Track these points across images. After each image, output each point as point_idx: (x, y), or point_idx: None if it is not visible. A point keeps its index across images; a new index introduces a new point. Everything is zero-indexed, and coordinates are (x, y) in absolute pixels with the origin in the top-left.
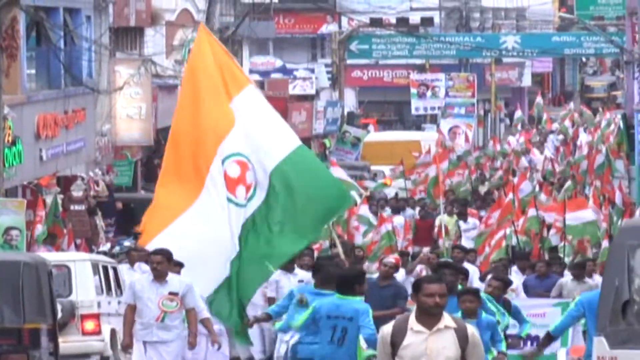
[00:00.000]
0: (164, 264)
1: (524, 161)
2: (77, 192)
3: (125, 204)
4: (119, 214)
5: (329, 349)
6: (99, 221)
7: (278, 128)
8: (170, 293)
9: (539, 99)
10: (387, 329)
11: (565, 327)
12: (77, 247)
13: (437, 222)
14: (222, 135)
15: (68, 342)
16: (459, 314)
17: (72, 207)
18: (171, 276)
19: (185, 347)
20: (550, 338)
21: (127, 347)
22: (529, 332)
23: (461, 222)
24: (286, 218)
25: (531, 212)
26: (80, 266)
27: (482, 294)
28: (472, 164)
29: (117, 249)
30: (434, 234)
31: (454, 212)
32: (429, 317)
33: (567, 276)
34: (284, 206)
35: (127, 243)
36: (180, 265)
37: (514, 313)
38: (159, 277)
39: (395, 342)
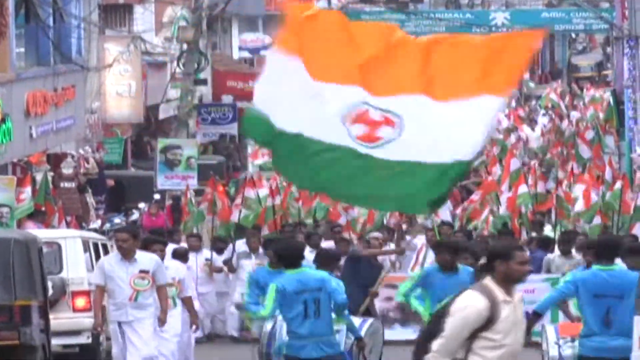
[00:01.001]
0: (129, 241)
1: (512, 138)
2: (67, 169)
3: (115, 181)
4: (109, 192)
5: (306, 324)
6: (89, 198)
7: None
8: (141, 271)
9: (525, 76)
10: (481, 302)
11: (551, 303)
12: (68, 225)
13: None
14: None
15: (59, 319)
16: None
17: (62, 185)
18: (140, 254)
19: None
20: (536, 317)
21: (98, 327)
22: None
23: None
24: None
25: (522, 188)
26: (70, 243)
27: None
28: None
29: (107, 226)
30: None
31: None
32: (512, 285)
33: (555, 252)
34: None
35: (117, 220)
36: (163, 243)
37: None
38: (127, 255)
39: (494, 315)
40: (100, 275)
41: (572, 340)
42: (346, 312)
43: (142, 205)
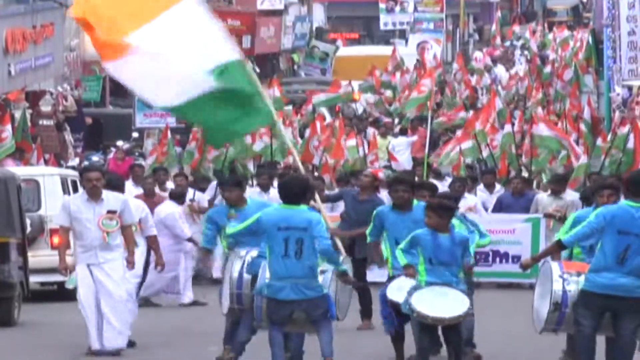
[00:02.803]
0: (101, 180)
1: (486, 78)
2: (45, 107)
3: (93, 119)
4: (87, 129)
5: (284, 264)
6: (68, 136)
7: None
8: (109, 211)
9: (498, 14)
10: None
11: (581, 238)
12: (46, 162)
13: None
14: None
15: (37, 257)
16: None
17: (40, 122)
18: (106, 193)
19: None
20: (560, 247)
21: (64, 270)
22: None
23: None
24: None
25: (507, 127)
26: (49, 181)
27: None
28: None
29: (85, 163)
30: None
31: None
32: None
33: (543, 192)
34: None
35: (95, 158)
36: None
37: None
38: (95, 195)
39: None
40: (65, 217)
41: (578, 275)
42: (331, 254)
43: (120, 143)
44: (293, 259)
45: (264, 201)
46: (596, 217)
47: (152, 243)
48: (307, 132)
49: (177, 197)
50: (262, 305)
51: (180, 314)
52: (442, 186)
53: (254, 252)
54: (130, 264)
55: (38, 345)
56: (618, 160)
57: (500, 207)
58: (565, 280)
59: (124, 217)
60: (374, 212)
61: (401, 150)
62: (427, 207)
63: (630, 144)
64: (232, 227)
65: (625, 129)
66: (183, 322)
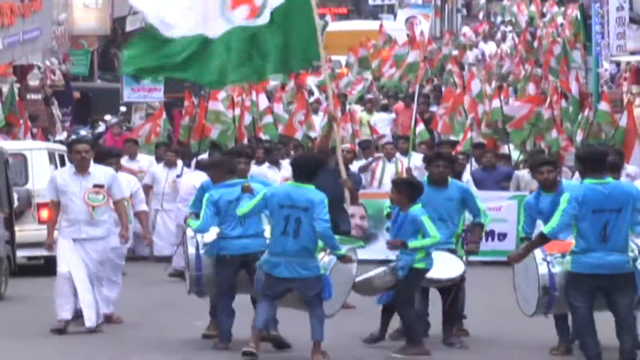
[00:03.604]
0: (90, 152)
1: (469, 55)
2: (33, 81)
3: (81, 93)
4: (75, 104)
5: (282, 241)
6: (56, 110)
7: None
8: (95, 185)
9: None
10: None
11: (563, 227)
12: (34, 136)
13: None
14: None
15: (24, 231)
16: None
17: (28, 96)
18: (94, 167)
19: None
20: (544, 240)
21: (50, 247)
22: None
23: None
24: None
25: (495, 102)
26: (36, 155)
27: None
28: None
29: (73, 137)
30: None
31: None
32: None
33: (524, 169)
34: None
35: (83, 132)
36: (117, 156)
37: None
38: (83, 168)
39: None
40: (53, 190)
41: (562, 257)
42: (329, 238)
43: (108, 117)
44: (291, 237)
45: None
46: (569, 202)
47: (141, 218)
48: (292, 106)
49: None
50: (262, 278)
51: (165, 288)
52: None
53: (213, 233)
54: (124, 238)
55: (25, 319)
56: (609, 136)
57: (473, 182)
58: (549, 262)
59: (113, 192)
60: None
61: (383, 127)
62: (392, 183)
63: (623, 122)
64: (242, 208)
65: (604, 105)
66: (168, 296)
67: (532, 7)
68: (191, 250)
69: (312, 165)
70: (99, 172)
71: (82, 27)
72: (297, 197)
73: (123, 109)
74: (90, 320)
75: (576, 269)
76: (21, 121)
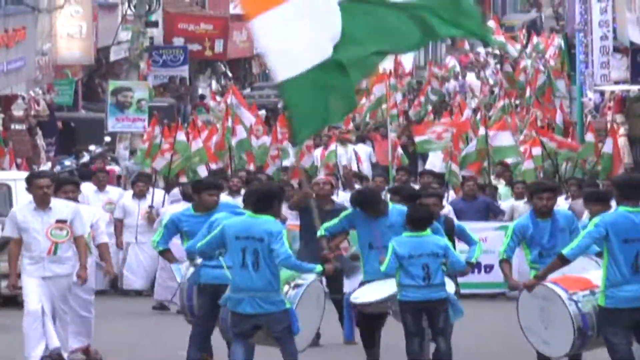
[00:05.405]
0: (51, 187)
1: (448, 86)
2: (17, 111)
3: (65, 123)
4: (59, 134)
5: (242, 274)
6: (40, 140)
7: None
8: (58, 221)
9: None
10: None
11: (584, 249)
12: (18, 167)
13: None
14: None
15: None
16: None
17: (12, 127)
18: (55, 201)
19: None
20: (563, 261)
21: (14, 287)
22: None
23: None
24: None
25: (482, 130)
26: (21, 185)
27: None
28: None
29: (57, 168)
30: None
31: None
32: None
33: (519, 200)
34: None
35: (67, 162)
36: (75, 184)
37: (459, 233)
38: (44, 204)
39: None
40: (12, 228)
41: (592, 294)
42: (294, 266)
43: (92, 147)
44: (251, 270)
45: (235, 203)
46: (596, 226)
47: (102, 251)
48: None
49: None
50: (227, 317)
51: (147, 320)
52: None
53: (198, 261)
54: (82, 279)
55: (9, 350)
56: (592, 165)
57: (453, 212)
58: (577, 302)
59: (75, 227)
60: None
61: (362, 158)
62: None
63: (608, 149)
64: (202, 242)
65: (590, 137)
66: (150, 328)
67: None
68: (181, 280)
69: (270, 194)
70: (61, 206)
71: (66, 56)
72: (253, 228)
73: (107, 139)
74: (52, 342)
75: (612, 304)
76: (6, 150)
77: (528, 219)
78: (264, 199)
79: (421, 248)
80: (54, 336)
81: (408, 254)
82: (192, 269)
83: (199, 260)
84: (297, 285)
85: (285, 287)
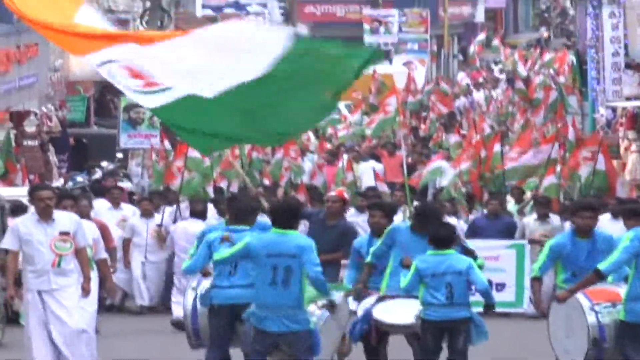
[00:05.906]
0: (54, 199)
1: (461, 101)
2: (30, 127)
3: (78, 139)
4: (71, 150)
5: (270, 292)
6: (52, 157)
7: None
8: (62, 233)
9: (482, 36)
10: None
11: (620, 265)
12: (31, 183)
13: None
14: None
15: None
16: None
17: (25, 143)
18: (58, 213)
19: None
20: (599, 276)
21: (12, 299)
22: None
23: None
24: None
25: (496, 147)
26: None
27: None
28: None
29: (70, 184)
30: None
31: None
32: None
33: (530, 216)
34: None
35: (80, 179)
36: (73, 198)
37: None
38: (47, 216)
39: None
40: (14, 240)
41: (613, 306)
42: (321, 283)
43: (104, 163)
44: (280, 288)
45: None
46: (631, 241)
47: (102, 267)
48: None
49: (199, 213)
50: (251, 332)
51: (155, 338)
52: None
53: (206, 283)
54: (85, 291)
55: None
56: (589, 181)
57: (473, 230)
58: (598, 312)
59: (78, 239)
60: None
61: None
62: None
63: (601, 166)
64: (219, 253)
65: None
66: (159, 346)
67: (516, 56)
68: (189, 300)
69: (296, 210)
70: (64, 218)
71: (78, 73)
72: (285, 244)
73: (120, 155)
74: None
75: (631, 318)
76: (18, 167)
77: (567, 237)
78: (291, 215)
79: (445, 266)
80: None
81: (432, 272)
82: (191, 292)
83: (194, 283)
84: (323, 306)
85: (312, 306)
